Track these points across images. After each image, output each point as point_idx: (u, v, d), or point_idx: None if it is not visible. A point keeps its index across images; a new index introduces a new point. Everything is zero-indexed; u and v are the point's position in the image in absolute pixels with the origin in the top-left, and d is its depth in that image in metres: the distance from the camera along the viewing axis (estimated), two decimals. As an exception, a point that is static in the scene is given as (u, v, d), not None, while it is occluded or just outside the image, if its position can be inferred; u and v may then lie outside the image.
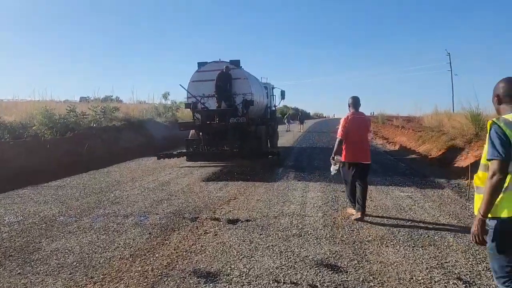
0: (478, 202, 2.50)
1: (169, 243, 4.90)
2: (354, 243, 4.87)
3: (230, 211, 6.43)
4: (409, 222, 5.75)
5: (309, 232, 5.27)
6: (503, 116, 2.44)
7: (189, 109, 13.45)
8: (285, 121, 34.47)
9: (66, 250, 4.70)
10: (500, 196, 2.41)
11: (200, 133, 12.66)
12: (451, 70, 53.73)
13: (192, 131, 13.10)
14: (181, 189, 8.39)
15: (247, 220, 5.86)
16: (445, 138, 17.45)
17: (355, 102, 6.24)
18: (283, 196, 7.47)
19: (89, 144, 15.50)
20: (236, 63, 12.96)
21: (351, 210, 6.17)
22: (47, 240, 5.12)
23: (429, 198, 7.26)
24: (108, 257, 4.46)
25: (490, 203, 2.36)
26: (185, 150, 12.76)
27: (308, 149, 17.63)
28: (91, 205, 7.09)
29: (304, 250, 4.61)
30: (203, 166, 12.05)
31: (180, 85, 13.06)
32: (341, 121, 6.17)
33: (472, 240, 2.53)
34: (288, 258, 4.35)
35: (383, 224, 5.66)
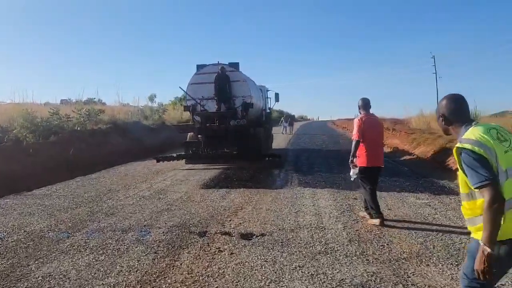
0: (476, 234, 2.18)
1: (180, 264, 4.24)
2: (390, 262, 4.29)
3: (240, 223, 5.80)
4: (439, 234, 5.23)
5: (336, 249, 4.68)
6: (464, 137, 2.17)
7: (176, 111, 13.42)
8: (281, 123, 33.79)
9: (61, 276, 4.00)
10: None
11: (199, 136, 12.50)
12: (435, 73, 54.13)
13: (190, 134, 12.87)
14: (180, 197, 7.72)
15: (262, 235, 5.24)
16: (441, 141, 17.09)
17: (366, 104, 6.00)
18: (293, 206, 6.88)
19: (74, 148, 14.68)
20: (235, 66, 12.95)
21: (374, 220, 5.76)
22: (36, 262, 4.41)
23: (448, 206, 6.77)
24: (112, 284, 3.77)
25: (495, 233, 2.04)
26: (183, 153, 12.49)
27: (304, 151, 17.13)
28: (83, 217, 6.37)
29: (337, 272, 4.01)
30: (198, 171, 11.42)
31: (180, 87, 13.14)
32: (356, 123, 5.87)
33: (480, 278, 2.10)
34: (322, 283, 3.76)
35: (412, 237, 5.11)
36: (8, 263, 4.42)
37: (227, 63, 12.93)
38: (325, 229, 5.51)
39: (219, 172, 11.10)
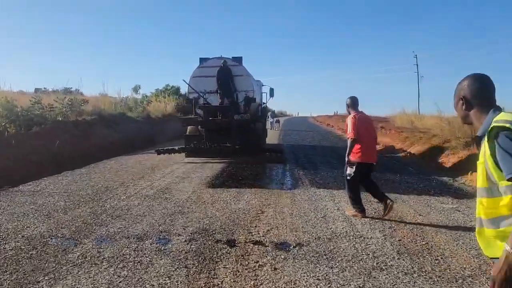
0: (497, 241, 1.75)
1: (221, 283, 3.61)
2: (456, 281, 3.77)
3: (268, 230, 5.21)
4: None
5: (389, 263, 4.13)
6: (499, 119, 1.75)
7: (159, 103, 13.19)
8: (268, 119, 33.15)
9: (81, 298, 3.29)
10: None
11: (199, 129, 12.42)
12: (417, 72, 54.58)
13: (189, 127, 12.70)
14: (188, 197, 7.06)
15: (299, 245, 4.65)
16: (437, 140, 16.85)
17: (354, 102, 6.09)
18: (316, 209, 6.34)
19: (59, 140, 13.76)
20: (238, 60, 12.94)
21: (352, 211, 6.01)
22: (46, 278, 3.70)
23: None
24: (147, 310, 3.10)
25: None
26: (185, 146, 12.33)
27: (299, 148, 16.65)
28: (87, 220, 5.64)
29: (405, 293, 3.43)
30: (197, 168, 10.79)
31: (183, 80, 12.92)
32: (350, 121, 5.88)
33: None
34: (394, 308, 3.16)
35: (462, 249, 4.68)
36: (12, 278, 3.70)
37: (230, 57, 12.90)
38: (364, 238, 4.97)
39: (220, 169, 10.47)
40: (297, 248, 4.55)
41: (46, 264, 4.03)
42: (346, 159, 5.90)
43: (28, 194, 7.48)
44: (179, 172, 9.93)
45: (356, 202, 5.93)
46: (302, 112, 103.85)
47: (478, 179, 1.88)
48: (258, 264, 4.04)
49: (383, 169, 10.86)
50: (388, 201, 5.78)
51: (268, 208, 6.35)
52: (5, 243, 4.69)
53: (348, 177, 5.95)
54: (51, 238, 4.85)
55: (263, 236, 4.94)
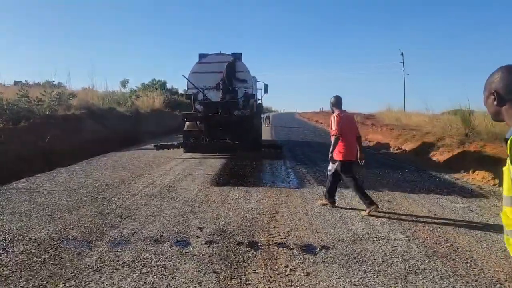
0: None
1: (256, 290, 3.39)
2: (494, 285, 3.65)
3: (288, 231, 5.03)
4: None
5: (421, 267, 4.01)
6: None
7: (148, 98, 13.02)
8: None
9: (112, 308, 3.06)
10: None
11: (198, 124, 12.37)
12: (403, 70, 54.97)
13: (188, 123, 12.60)
14: (196, 196, 6.84)
15: (325, 247, 4.48)
16: (431, 137, 16.90)
17: (338, 101, 6.31)
18: (330, 209, 6.24)
19: (49, 135, 13.34)
20: (238, 56, 12.91)
21: (324, 201, 6.38)
22: (67, 285, 3.49)
23: (490, 211, 6.35)
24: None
25: None
26: (184, 142, 12.34)
27: (295, 144, 16.53)
28: (95, 220, 5.37)
29: (448, 300, 3.29)
30: (197, 165, 10.60)
31: (183, 75, 12.91)
32: (334, 119, 6.09)
33: None
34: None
35: (489, 250, 4.60)
36: (30, 286, 3.43)
37: (229, 53, 12.94)
38: (388, 240, 4.83)
39: (221, 167, 10.26)
40: (323, 251, 4.37)
41: (63, 270, 3.77)
42: (330, 155, 6.10)
43: (25, 192, 7.15)
44: (179, 170, 9.67)
45: (330, 196, 6.32)
46: (287, 109, 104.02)
47: (504, 187, 1.71)
48: (289, 269, 3.85)
49: (383, 167, 10.81)
50: (334, 201, 6.34)
51: (281, 207, 6.17)
52: (13, 246, 4.40)
53: (329, 173, 6.26)
54: (62, 241, 4.58)
55: (285, 238, 4.76)
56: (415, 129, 22.42)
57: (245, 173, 9.38)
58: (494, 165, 10.40)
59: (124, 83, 28.01)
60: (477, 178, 9.28)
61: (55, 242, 4.53)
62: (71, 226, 5.13)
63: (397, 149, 16.62)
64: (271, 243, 4.57)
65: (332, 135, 6.07)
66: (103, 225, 5.18)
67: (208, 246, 4.42)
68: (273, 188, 7.56)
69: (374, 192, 7.42)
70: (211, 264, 3.92)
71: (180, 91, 50.16)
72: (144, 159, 11.60)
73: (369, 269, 3.89)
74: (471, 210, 6.45)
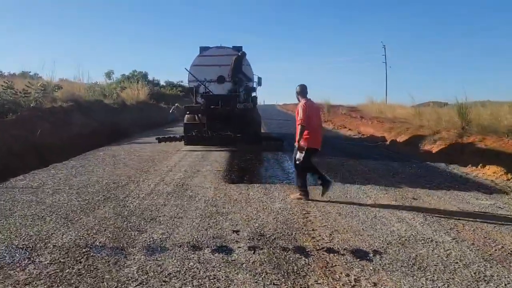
0: None
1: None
2: None
3: (330, 234, 4.75)
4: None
5: (487, 273, 3.82)
6: None
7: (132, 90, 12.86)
8: None
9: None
10: None
11: (197, 117, 12.52)
12: (385, 62, 55.36)
13: (188, 116, 12.76)
14: (215, 195, 6.51)
15: (377, 252, 4.21)
16: (427, 131, 16.87)
17: (304, 90, 6.39)
18: (360, 208, 6.00)
19: (38, 128, 12.72)
20: (239, 49, 12.91)
21: (297, 195, 6.31)
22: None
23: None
24: None
25: None
26: (187, 134, 12.39)
27: (286, 137, 16.15)
28: (117, 223, 4.98)
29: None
30: (201, 160, 10.28)
31: (185, 68, 12.87)
32: (301, 108, 6.15)
33: None
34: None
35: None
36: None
37: (231, 46, 13.06)
38: (436, 242, 4.60)
39: (226, 162, 9.95)
40: (377, 256, 4.10)
41: (105, 283, 3.38)
42: (296, 144, 6.12)
43: (28, 191, 6.66)
44: (185, 165, 9.27)
45: (302, 186, 6.27)
46: (267, 100, 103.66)
47: None
48: (352, 278, 3.56)
49: (388, 159, 10.68)
50: (306, 193, 6.28)
51: (310, 207, 5.88)
52: (38, 255, 3.97)
53: (297, 162, 6.20)
54: (91, 248, 4.16)
55: (330, 242, 4.46)
56: (405, 121, 22.45)
57: (254, 168, 9.08)
58: (500, 159, 10.36)
59: (109, 74, 27.06)
60: (488, 172, 9.18)
61: (84, 250, 4.11)
62: (94, 231, 4.70)
63: (396, 143, 16.46)
64: (318, 248, 4.27)
65: (298, 124, 6.11)
66: (129, 229, 4.78)
67: (253, 253, 4.08)
68: (291, 186, 7.24)
69: (395, 189, 7.23)
70: (266, 274, 3.59)
71: (162, 82, 49.36)
72: (143, 154, 11.14)
73: (435, 277, 3.63)
74: (500, 208, 6.32)
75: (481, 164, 10.01)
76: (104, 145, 13.35)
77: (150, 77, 44.00)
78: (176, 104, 29.98)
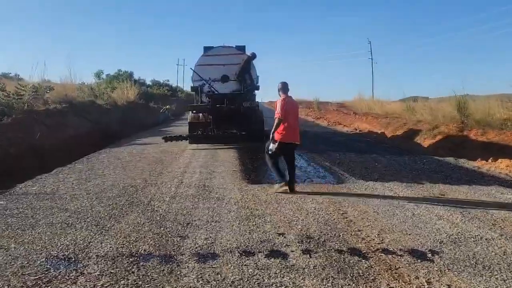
0: None
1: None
2: None
3: (378, 234, 4.64)
4: None
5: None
6: None
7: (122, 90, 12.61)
8: None
9: None
10: None
11: (201, 116, 12.67)
12: (371, 58, 55.82)
13: (191, 115, 12.88)
14: (242, 196, 6.38)
15: (433, 252, 4.13)
16: (425, 126, 16.94)
17: (285, 87, 6.80)
18: (396, 206, 5.89)
19: (35, 132, 12.38)
20: (242, 49, 13.11)
21: (281, 188, 6.52)
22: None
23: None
24: None
25: None
26: (192, 133, 12.47)
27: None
28: (153, 229, 4.79)
29: None
30: (211, 161, 10.11)
31: (191, 68, 13.02)
32: (279, 103, 6.55)
33: None
34: None
35: None
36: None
37: (234, 46, 13.13)
38: (487, 239, 4.55)
39: (238, 161, 9.81)
40: (436, 256, 3.99)
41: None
42: (271, 135, 6.53)
43: (44, 197, 6.39)
44: (197, 166, 9.07)
45: (281, 175, 6.60)
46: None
47: None
48: (424, 281, 3.43)
49: (394, 155, 10.64)
50: (290, 187, 6.48)
51: (343, 207, 5.77)
52: (84, 266, 3.75)
53: (269, 152, 6.62)
54: (138, 257, 3.95)
55: (382, 243, 4.34)
56: (398, 117, 22.59)
57: (268, 168, 8.91)
58: (506, 152, 10.42)
59: (99, 74, 26.48)
60: (501, 166, 9.21)
61: (131, 259, 3.89)
62: (133, 238, 4.49)
63: (393, 137, 16.48)
64: (373, 249, 4.13)
65: (276, 117, 6.47)
66: (169, 235, 4.58)
67: (310, 257, 3.93)
68: (314, 185, 7.18)
69: (418, 185, 7.17)
70: (334, 279, 3.44)
71: (148, 81, 48.74)
72: (148, 155, 10.88)
73: (504, 277, 3.55)
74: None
75: (491, 158, 10.03)
76: (102, 147, 13.04)
77: (136, 76, 43.33)
78: (167, 106, 29.79)
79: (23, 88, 15.46)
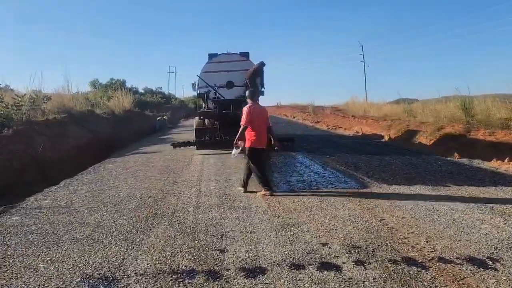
0: None
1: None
2: None
3: (426, 241, 4.44)
4: None
5: None
6: None
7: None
8: None
9: None
10: None
11: (206, 122, 13.02)
12: (363, 61, 56.01)
13: (197, 121, 13.17)
14: (269, 205, 6.12)
15: (494, 259, 3.92)
16: (430, 127, 16.82)
17: (253, 94, 7.07)
18: (430, 210, 5.70)
19: (37, 143, 12.05)
20: (246, 55, 13.36)
21: (264, 192, 6.67)
22: None
23: None
24: None
25: None
26: (200, 139, 12.71)
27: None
28: (187, 242, 4.53)
29: None
30: (222, 168, 9.86)
31: (197, 75, 13.18)
32: (245, 111, 6.75)
33: None
34: None
35: None
36: None
37: (238, 52, 13.36)
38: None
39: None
40: (498, 264, 3.80)
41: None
42: (235, 141, 6.92)
43: (60, 211, 6.11)
44: (210, 174, 8.82)
45: (264, 183, 6.71)
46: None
47: None
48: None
49: (407, 157, 10.46)
50: (266, 191, 6.65)
51: (378, 213, 5.55)
52: (125, 286, 3.47)
53: (232, 157, 7.38)
54: (180, 274, 3.67)
55: (435, 251, 4.12)
56: (397, 119, 22.49)
57: (284, 171, 8.70)
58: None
59: (94, 83, 26.03)
60: (517, 169, 9.04)
61: (174, 276, 3.63)
62: (169, 253, 4.22)
63: (399, 139, 16.32)
64: (428, 258, 3.90)
65: (241, 124, 6.72)
66: (206, 248, 4.31)
67: (365, 269, 3.68)
68: (339, 190, 6.91)
69: (445, 188, 6.98)
70: (403, 293, 3.17)
71: (140, 89, 48.36)
72: (156, 164, 10.61)
73: None
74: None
75: (507, 158, 9.89)
76: (105, 157, 12.77)
77: (128, 85, 42.94)
78: (165, 117, 29.54)
79: (20, 99, 15.06)
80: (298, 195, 6.66)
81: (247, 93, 7.18)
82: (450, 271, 3.60)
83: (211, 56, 13.41)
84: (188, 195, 6.85)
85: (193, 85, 14.60)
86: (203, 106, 13.52)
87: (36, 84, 20.09)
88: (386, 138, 16.84)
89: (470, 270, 3.61)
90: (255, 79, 12.29)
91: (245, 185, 6.97)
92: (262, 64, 12.11)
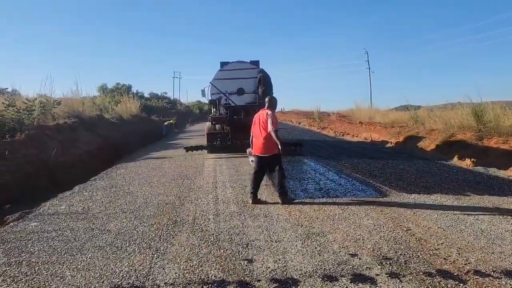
0: None
1: None
2: None
3: (458, 253, 4.37)
4: None
5: None
6: None
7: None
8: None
9: None
10: None
11: (217, 127, 13.43)
12: (369, 68, 55.94)
13: (208, 126, 13.64)
14: (289, 214, 6.02)
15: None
16: (441, 135, 16.71)
17: (264, 101, 7.03)
18: (462, 220, 5.52)
19: (49, 148, 12.03)
20: (256, 63, 13.80)
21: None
22: None
23: None
24: None
25: None
26: (211, 143, 13.37)
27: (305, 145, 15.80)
28: (212, 250, 4.50)
29: None
30: (235, 174, 9.73)
31: (210, 82, 13.63)
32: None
33: None
34: None
35: None
36: None
37: (248, 61, 13.83)
38: None
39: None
40: (534, 277, 3.64)
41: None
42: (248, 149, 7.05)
43: (78, 217, 6.06)
44: (225, 181, 8.74)
45: (253, 189, 6.67)
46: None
47: None
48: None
49: (419, 164, 10.34)
50: (254, 196, 6.64)
51: (403, 222, 5.46)
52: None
53: (251, 163, 7.19)
54: (211, 285, 3.62)
55: (469, 263, 4.04)
56: (405, 126, 22.37)
57: (299, 178, 8.64)
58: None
59: (103, 88, 26.04)
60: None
61: (205, 287, 3.53)
62: (195, 262, 4.14)
63: (409, 146, 16.20)
64: (463, 271, 3.81)
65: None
66: (233, 258, 4.23)
67: (400, 281, 3.60)
68: (359, 199, 6.80)
69: (464, 197, 6.88)
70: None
71: (146, 94, 48.40)
72: (168, 170, 10.55)
73: None
74: None
75: (525, 167, 9.78)
76: (116, 162, 12.70)
77: (134, 90, 43.00)
78: (171, 122, 29.53)
79: (31, 103, 15.07)
80: (318, 203, 6.55)
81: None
82: (489, 285, 3.50)
83: (222, 64, 13.82)
84: (206, 202, 6.78)
85: (203, 91, 14.69)
86: (213, 111, 13.83)
87: (47, 88, 19.85)
88: (393, 143, 16.72)
89: (510, 284, 3.50)
90: (258, 88, 12.81)
91: (252, 190, 6.82)
92: (259, 73, 12.86)
